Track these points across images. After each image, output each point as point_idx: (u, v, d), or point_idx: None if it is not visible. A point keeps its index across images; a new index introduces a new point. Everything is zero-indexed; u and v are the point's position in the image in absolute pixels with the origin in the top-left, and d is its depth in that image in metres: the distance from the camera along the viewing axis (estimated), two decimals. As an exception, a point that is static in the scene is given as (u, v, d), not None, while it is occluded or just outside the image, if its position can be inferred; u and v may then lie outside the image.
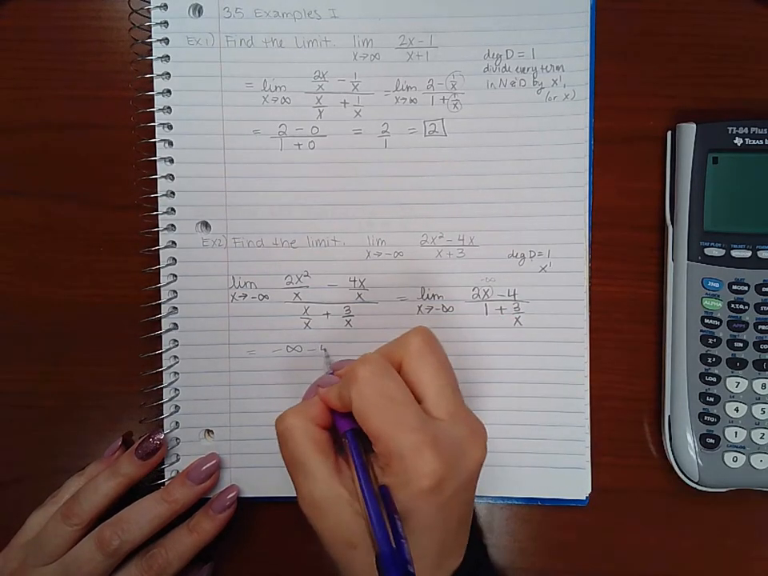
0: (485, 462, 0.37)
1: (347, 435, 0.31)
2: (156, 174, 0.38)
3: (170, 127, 0.38)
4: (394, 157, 0.38)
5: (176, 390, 0.38)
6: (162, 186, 0.38)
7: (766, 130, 0.36)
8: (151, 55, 0.38)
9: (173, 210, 0.38)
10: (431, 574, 0.30)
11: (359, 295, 0.38)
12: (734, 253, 0.36)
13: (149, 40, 0.38)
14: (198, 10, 0.38)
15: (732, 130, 0.36)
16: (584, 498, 0.38)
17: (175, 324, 0.38)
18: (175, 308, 0.38)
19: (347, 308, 0.38)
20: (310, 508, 0.30)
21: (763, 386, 0.36)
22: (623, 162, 0.39)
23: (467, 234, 0.38)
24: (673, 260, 0.37)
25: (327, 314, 0.38)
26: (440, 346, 0.32)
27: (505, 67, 0.38)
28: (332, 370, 0.35)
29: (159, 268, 0.38)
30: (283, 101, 0.38)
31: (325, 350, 0.38)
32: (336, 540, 0.30)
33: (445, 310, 0.38)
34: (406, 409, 0.29)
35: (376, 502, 0.28)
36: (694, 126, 0.36)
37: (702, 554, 0.38)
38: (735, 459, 0.36)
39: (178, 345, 0.38)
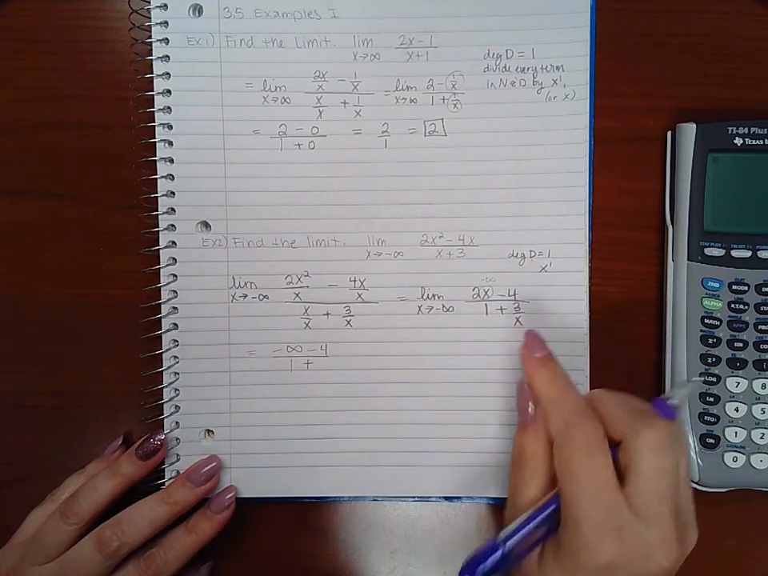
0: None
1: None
2: (156, 174, 0.38)
3: (170, 127, 0.38)
4: (394, 157, 0.38)
5: (176, 390, 0.38)
6: (162, 186, 0.38)
7: (765, 130, 0.36)
8: (151, 55, 0.38)
9: (173, 210, 0.38)
10: None
11: (359, 295, 0.38)
12: (734, 253, 0.36)
13: (149, 40, 0.38)
14: (197, 10, 0.38)
15: (732, 130, 0.36)
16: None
17: (175, 324, 0.38)
18: (175, 308, 0.38)
19: (347, 308, 0.38)
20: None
21: (763, 386, 0.36)
22: (623, 162, 0.39)
23: (467, 234, 0.38)
24: (673, 260, 0.37)
25: (327, 314, 0.38)
26: (676, 457, 0.30)
27: (505, 67, 0.38)
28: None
29: (159, 268, 0.38)
30: (283, 101, 0.38)
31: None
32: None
33: (445, 309, 0.38)
34: (602, 491, 0.29)
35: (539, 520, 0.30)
36: (694, 126, 0.36)
37: (702, 554, 0.38)
38: (735, 459, 0.36)
39: (178, 345, 0.38)
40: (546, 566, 0.30)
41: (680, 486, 0.30)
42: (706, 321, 0.36)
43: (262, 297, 0.38)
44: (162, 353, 0.38)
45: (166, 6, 0.38)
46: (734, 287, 0.36)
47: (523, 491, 0.32)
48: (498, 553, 0.30)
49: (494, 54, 0.38)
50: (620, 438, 0.30)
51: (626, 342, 0.39)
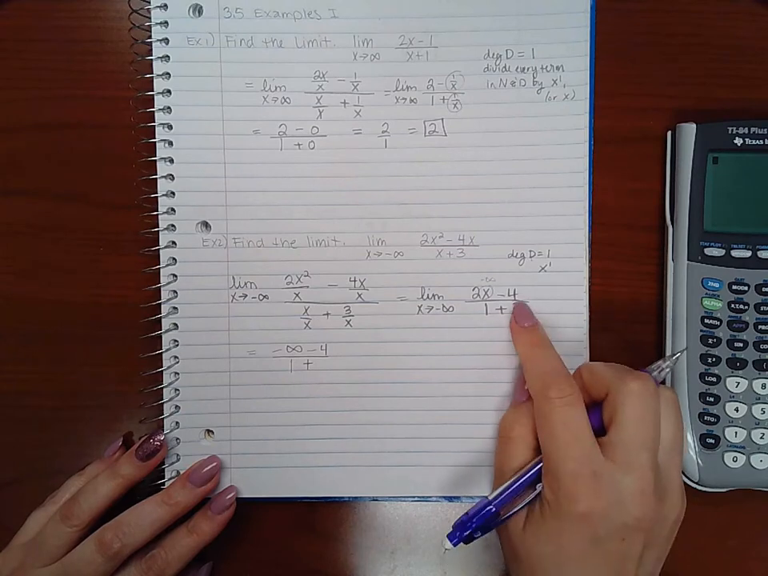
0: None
1: None
2: (156, 174, 0.38)
3: (170, 127, 0.38)
4: (394, 157, 0.38)
5: (176, 390, 0.38)
6: (162, 186, 0.38)
7: (765, 130, 0.36)
8: (151, 55, 0.38)
9: (173, 210, 0.38)
10: None
11: (359, 295, 0.38)
12: (734, 253, 0.36)
13: (149, 40, 0.38)
14: (197, 10, 0.38)
15: (732, 130, 0.36)
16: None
17: (175, 324, 0.38)
18: (175, 308, 0.38)
19: (347, 308, 0.38)
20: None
21: (763, 386, 0.36)
22: (623, 162, 0.39)
23: (467, 234, 0.38)
24: (673, 260, 0.37)
25: (327, 314, 0.38)
26: (657, 409, 0.31)
27: (505, 67, 0.38)
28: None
29: (159, 268, 0.38)
30: (283, 101, 0.38)
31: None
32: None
33: (445, 309, 0.38)
34: (577, 441, 0.30)
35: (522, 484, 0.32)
36: (694, 126, 0.36)
37: (702, 553, 0.38)
38: (735, 459, 0.36)
39: (178, 345, 0.38)
40: (532, 524, 0.31)
41: (665, 448, 0.31)
42: (706, 321, 0.36)
43: (261, 297, 0.38)
44: (162, 353, 0.38)
45: (165, 6, 0.38)
46: (734, 287, 0.36)
47: (511, 465, 0.33)
48: (488, 513, 0.31)
49: (494, 54, 0.38)
50: (606, 391, 0.31)
51: (625, 341, 0.39)
